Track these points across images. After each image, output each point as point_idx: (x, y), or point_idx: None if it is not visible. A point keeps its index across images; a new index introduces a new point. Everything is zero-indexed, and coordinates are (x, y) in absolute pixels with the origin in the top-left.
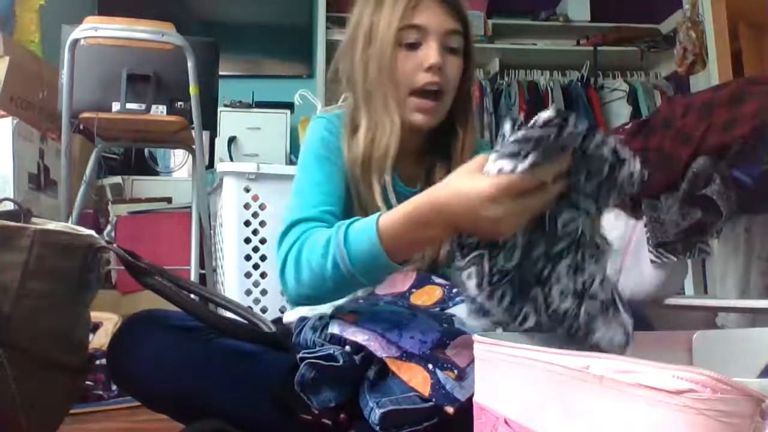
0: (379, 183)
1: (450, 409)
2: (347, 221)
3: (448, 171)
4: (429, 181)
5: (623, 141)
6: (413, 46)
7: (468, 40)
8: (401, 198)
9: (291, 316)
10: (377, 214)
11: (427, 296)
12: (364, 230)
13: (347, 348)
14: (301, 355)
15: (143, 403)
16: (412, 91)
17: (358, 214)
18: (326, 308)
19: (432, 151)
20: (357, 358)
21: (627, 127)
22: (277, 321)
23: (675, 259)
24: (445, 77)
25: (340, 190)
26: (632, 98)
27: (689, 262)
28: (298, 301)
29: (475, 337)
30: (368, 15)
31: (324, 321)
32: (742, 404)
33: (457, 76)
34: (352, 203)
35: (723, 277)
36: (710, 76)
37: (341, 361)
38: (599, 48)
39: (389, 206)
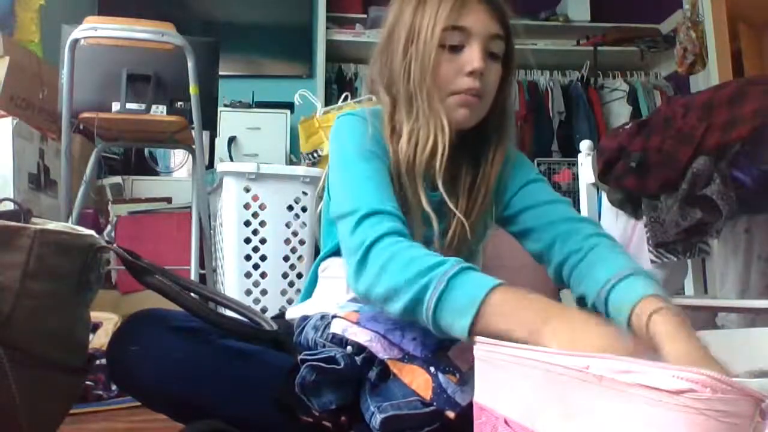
0: (423, 189)
1: (451, 414)
2: (455, 271)
3: (475, 177)
4: (453, 185)
5: (623, 141)
6: (455, 49)
7: (509, 46)
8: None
9: (294, 312)
10: (489, 292)
11: None
12: (463, 309)
13: (348, 349)
14: (302, 356)
15: (143, 403)
16: (453, 92)
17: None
18: (328, 307)
19: (459, 155)
20: (358, 359)
21: (627, 127)
22: (280, 317)
23: (675, 259)
24: (484, 83)
25: (392, 189)
26: (632, 98)
27: (689, 262)
28: (358, 296)
29: (477, 337)
30: (410, 13)
31: (326, 321)
32: (742, 404)
33: (496, 81)
34: None
35: (723, 277)
36: (710, 76)
37: (342, 364)
38: (599, 48)
39: (436, 213)
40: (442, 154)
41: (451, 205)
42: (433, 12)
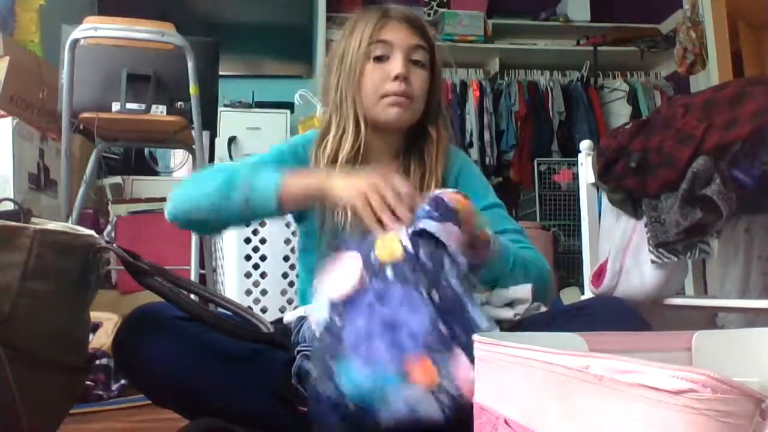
0: None
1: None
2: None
3: (424, 173)
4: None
5: (623, 141)
6: (381, 59)
7: (433, 57)
8: None
9: (291, 316)
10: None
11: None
12: (269, 180)
13: None
14: (298, 348)
15: (148, 396)
16: (383, 95)
17: (327, 218)
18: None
19: (408, 153)
20: None
21: (627, 127)
22: (278, 321)
23: (675, 259)
24: (410, 86)
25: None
26: (632, 98)
27: (689, 262)
28: (173, 212)
29: (475, 337)
30: (342, 42)
31: None
32: (742, 404)
33: (423, 86)
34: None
35: (723, 277)
36: (710, 76)
37: None
38: (599, 48)
39: None
40: (353, 147)
41: None
42: (359, 33)
